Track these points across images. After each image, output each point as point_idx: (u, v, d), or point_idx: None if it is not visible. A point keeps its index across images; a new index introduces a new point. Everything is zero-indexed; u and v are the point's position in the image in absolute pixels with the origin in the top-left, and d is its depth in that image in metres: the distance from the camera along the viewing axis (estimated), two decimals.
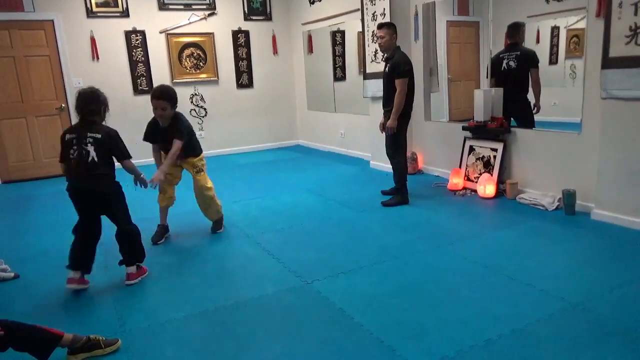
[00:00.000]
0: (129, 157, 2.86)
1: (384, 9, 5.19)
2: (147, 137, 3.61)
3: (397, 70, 4.06)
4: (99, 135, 2.73)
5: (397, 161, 4.29)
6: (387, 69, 4.20)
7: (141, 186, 3.05)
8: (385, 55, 4.28)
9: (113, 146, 2.79)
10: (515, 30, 4.55)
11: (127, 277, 2.92)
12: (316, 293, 2.68)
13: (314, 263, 3.08)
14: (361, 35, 5.74)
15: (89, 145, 2.70)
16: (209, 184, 3.71)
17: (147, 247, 3.34)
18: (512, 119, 4.52)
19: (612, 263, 2.87)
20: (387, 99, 4.23)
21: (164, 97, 3.35)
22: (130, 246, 2.94)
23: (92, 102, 2.76)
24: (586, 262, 2.92)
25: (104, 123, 2.84)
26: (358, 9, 5.76)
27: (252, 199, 4.73)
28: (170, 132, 3.43)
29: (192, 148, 3.62)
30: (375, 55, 5.40)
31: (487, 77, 4.76)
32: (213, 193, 3.72)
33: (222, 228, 3.84)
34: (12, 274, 3.09)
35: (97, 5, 6.43)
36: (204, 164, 3.73)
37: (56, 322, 2.50)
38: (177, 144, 3.39)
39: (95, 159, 2.71)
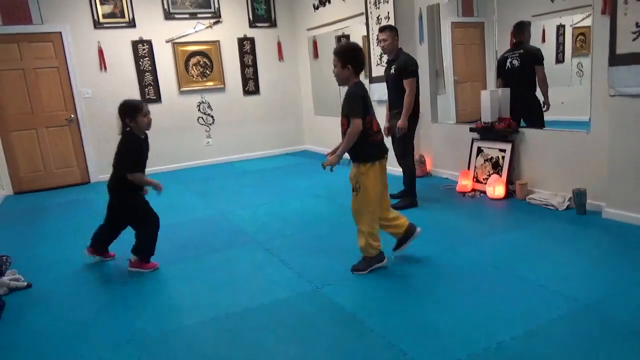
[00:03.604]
0: (128, 170, 3.11)
1: (388, 12, 5.19)
2: None
3: (406, 70, 4.06)
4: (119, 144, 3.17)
5: (407, 163, 4.26)
6: (392, 70, 4.19)
7: (157, 193, 3.26)
8: (389, 57, 4.28)
9: (119, 154, 3.17)
10: (520, 29, 4.53)
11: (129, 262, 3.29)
12: (326, 298, 2.67)
13: (324, 268, 3.07)
14: (366, 39, 5.75)
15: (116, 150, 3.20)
16: (361, 206, 2.87)
17: (159, 252, 3.36)
18: (521, 119, 4.47)
19: (625, 262, 2.83)
20: (395, 101, 4.21)
21: (335, 52, 2.88)
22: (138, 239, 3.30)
23: (119, 114, 3.14)
24: (598, 262, 2.89)
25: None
26: (362, 13, 5.77)
27: (261, 205, 4.74)
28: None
29: (357, 149, 2.83)
30: (380, 59, 5.41)
31: (495, 78, 4.74)
32: (364, 226, 2.88)
33: (365, 271, 2.93)
34: (25, 284, 3.12)
35: (104, 16, 6.50)
36: (363, 179, 2.82)
37: (67, 331, 2.53)
38: (353, 124, 2.74)
39: (113, 164, 3.22)
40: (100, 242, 3.47)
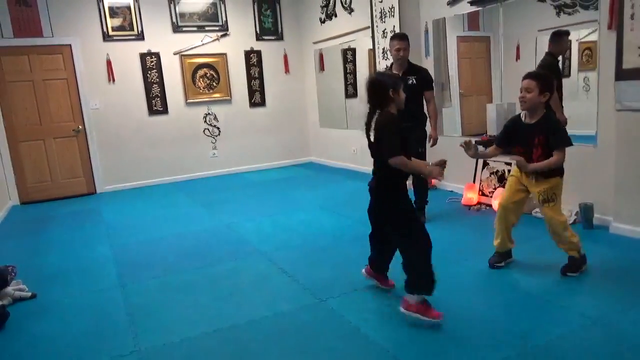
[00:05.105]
0: (396, 154, 2.33)
1: (394, 26, 5.23)
2: None
3: (431, 81, 4.15)
4: (373, 126, 2.44)
5: (423, 180, 4.18)
6: (413, 81, 4.05)
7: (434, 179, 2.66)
8: (402, 68, 4.12)
9: (382, 139, 2.40)
10: (550, 40, 4.31)
11: (403, 302, 2.46)
12: (331, 310, 2.66)
13: (328, 280, 3.06)
14: (372, 52, 5.79)
15: (370, 135, 2.47)
16: (563, 217, 2.92)
17: (163, 263, 3.34)
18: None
19: (633, 277, 2.80)
20: (414, 113, 4.06)
21: (535, 77, 2.76)
22: (408, 269, 2.47)
23: (377, 89, 2.44)
24: (606, 277, 2.86)
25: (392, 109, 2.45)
26: (368, 27, 5.82)
27: (266, 216, 4.74)
28: None
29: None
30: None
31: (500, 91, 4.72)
32: (566, 228, 2.90)
33: (577, 272, 2.88)
34: (30, 294, 3.12)
35: (113, 29, 6.59)
36: (559, 190, 2.91)
37: (71, 341, 2.52)
38: (562, 155, 2.79)
39: (372, 152, 2.50)
40: (375, 262, 2.84)
